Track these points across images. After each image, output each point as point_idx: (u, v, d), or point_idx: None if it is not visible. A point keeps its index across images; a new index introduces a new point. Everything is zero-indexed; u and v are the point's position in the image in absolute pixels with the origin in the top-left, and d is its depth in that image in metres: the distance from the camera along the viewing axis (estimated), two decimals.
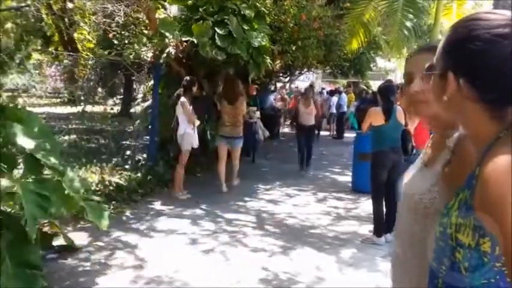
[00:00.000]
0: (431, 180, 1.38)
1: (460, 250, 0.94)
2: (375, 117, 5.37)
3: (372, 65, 16.78)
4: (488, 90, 0.98)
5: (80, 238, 5.03)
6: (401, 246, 1.47)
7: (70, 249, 4.64)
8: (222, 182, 7.52)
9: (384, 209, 5.37)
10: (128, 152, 8.07)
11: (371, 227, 5.53)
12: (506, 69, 0.95)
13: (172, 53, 7.67)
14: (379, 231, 5.32)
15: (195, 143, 7.02)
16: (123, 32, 8.11)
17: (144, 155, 8.07)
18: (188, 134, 6.90)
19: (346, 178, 8.81)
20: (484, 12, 1.06)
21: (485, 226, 0.89)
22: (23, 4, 14.98)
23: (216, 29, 7.22)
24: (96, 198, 4.47)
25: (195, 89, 7.10)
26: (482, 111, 1.00)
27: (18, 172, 3.45)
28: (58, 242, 4.70)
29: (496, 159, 0.90)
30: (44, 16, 17.75)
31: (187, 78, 7.11)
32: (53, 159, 3.20)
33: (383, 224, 5.35)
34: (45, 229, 4.80)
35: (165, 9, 8.07)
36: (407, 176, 1.54)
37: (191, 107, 6.91)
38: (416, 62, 1.47)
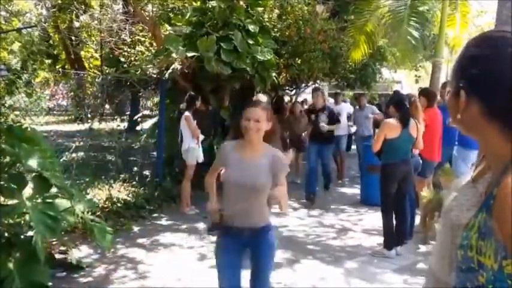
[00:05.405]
0: (472, 200, 1.33)
1: (484, 273, 0.90)
2: (390, 129, 5.12)
3: (377, 77, 16.72)
4: (501, 109, 0.96)
5: (87, 255, 5.03)
6: (435, 262, 1.43)
7: (78, 267, 4.63)
8: None
9: (394, 222, 5.32)
10: (135, 168, 8.08)
11: (380, 239, 5.48)
12: None
13: (178, 68, 7.71)
14: (389, 244, 5.26)
15: (200, 158, 7.02)
16: (129, 50, 8.17)
17: (151, 171, 8.07)
18: (192, 148, 6.91)
19: (355, 190, 8.76)
20: (497, 31, 1.05)
21: (506, 247, 0.85)
22: (29, 26, 15.21)
23: (221, 44, 7.26)
24: (102, 217, 4.46)
25: (198, 103, 7.13)
26: (496, 131, 0.97)
27: (26, 192, 3.46)
28: (66, 259, 4.69)
29: None
30: (51, 35, 18.02)
31: (190, 93, 7.15)
32: (60, 179, 3.21)
33: (393, 236, 5.30)
34: (54, 247, 4.81)
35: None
36: (453, 189, 1.46)
37: (195, 122, 6.94)
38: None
